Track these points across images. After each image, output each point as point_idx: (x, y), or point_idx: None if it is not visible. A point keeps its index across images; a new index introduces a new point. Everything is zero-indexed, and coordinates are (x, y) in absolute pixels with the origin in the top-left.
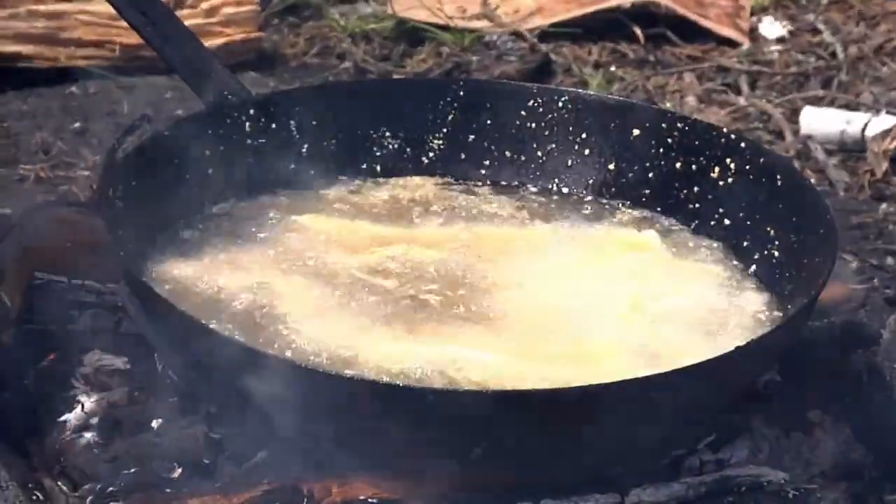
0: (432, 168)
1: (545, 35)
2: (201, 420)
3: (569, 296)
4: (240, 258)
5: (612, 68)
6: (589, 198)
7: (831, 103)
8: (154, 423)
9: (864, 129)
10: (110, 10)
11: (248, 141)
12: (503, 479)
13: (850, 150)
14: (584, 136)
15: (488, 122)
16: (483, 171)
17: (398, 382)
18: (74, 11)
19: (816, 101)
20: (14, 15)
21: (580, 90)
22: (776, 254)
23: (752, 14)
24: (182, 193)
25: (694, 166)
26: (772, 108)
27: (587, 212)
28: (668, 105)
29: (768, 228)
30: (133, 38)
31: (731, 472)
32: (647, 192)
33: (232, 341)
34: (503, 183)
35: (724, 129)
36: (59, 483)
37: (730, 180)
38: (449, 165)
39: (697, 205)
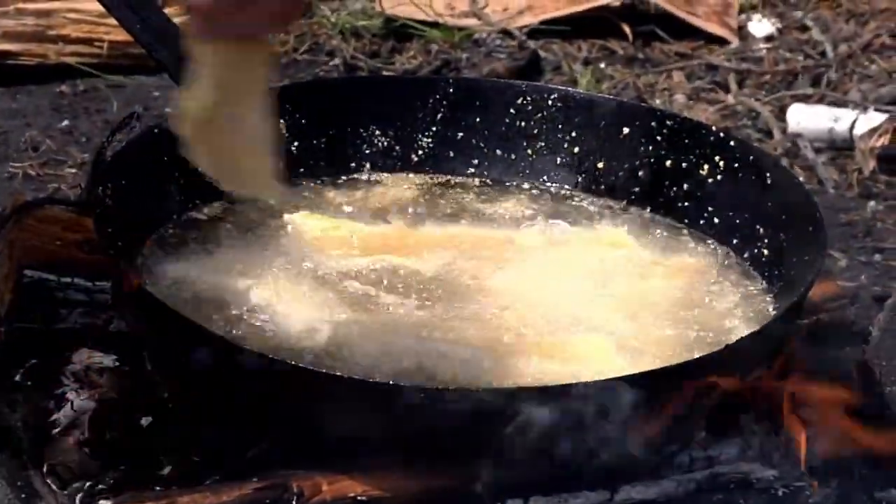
0: (421, 166)
1: (534, 32)
2: (191, 418)
3: (554, 293)
4: (230, 257)
5: (602, 66)
6: (578, 196)
7: (820, 101)
8: (144, 421)
9: (852, 127)
10: (99, 7)
11: None
12: (492, 476)
13: (839, 147)
14: (573, 134)
15: (478, 119)
16: (472, 170)
17: (390, 381)
18: (63, 9)
19: (805, 99)
20: (3, 13)
21: (569, 88)
22: (765, 251)
23: (740, 12)
24: (172, 192)
25: (683, 164)
26: (760, 105)
27: (576, 210)
28: (657, 103)
29: (757, 226)
30: (121, 36)
31: (721, 469)
32: (636, 190)
33: (220, 338)
34: (492, 181)
35: (713, 128)
36: (49, 481)
37: (719, 178)
38: (438, 163)
39: (686, 203)
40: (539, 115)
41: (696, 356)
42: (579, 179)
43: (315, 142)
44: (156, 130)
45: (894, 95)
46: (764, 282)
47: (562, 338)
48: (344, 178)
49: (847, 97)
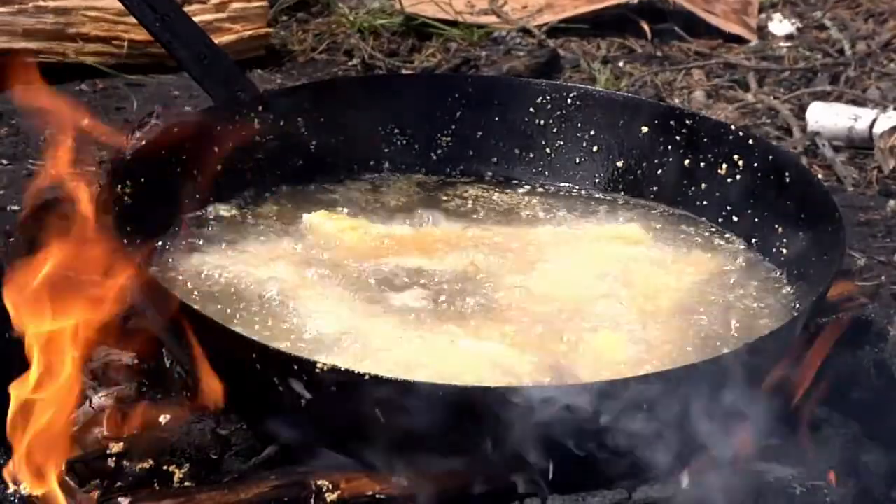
0: (440, 164)
1: (553, 31)
2: (209, 416)
3: (572, 290)
4: (248, 255)
5: (621, 64)
6: (596, 194)
7: (839, 99)
8: (162, 419)
9: (871, 126)
10: (118, 6)
11: (257, 138)
12: (511, 475)
13: (858, 146)
14: (592, 132)
15: (497, 118)
16: (491, 168)
17: (411, 379)
18: (82, 7)
19: (824, 97)
20: (22, 10)
21: (589, 86)
22: (784, 250)
23: (760, 11)
24: (190, 190)
25: (702, 163)
26: (780, 104)
27: (594, 208)
28: (676, 101)
29: (776, 225)
30: (141, 35)
31: (739, 468)
32: (656, 188)
33: (243, 338)
34: (511, 179)
35: (732, 126)
36: (67, 478)
37: (738, 177)
38: (457, 162)
39: (705, 201)
40: (558, 113)
41: (715, 355)
42: (598, 178)
43: (334, 140)
44: (175, 129)
45: None
46: (783, 280)
47: (579, 334)
48: (363, 176)
49: (866, 95)
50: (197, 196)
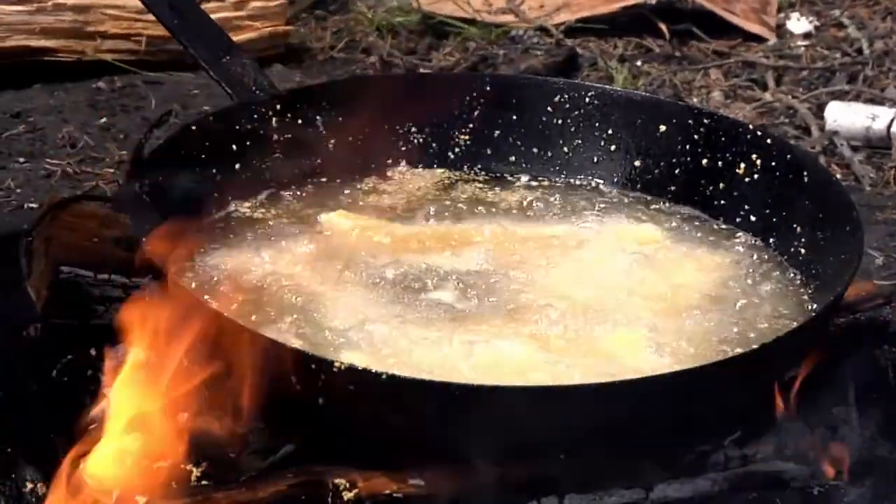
0: (458, 163)
1: (571, 30)
2: (227, 414)
3: (589, 289)
4: (265, 254)
5: (639, 63)
6: (614, 193)
7: (857, 98)
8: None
9: (889, 125)
10: (137, 3)
11: (275, 136)
12: (529, 473)
13: (876, 145)
14: (610, 131)
15: (514, 117)
16: (509, 167)
17: (430, 378)
18: (101, 5)
19: (842, 96)
20: (41, 9)
21: (607, 86)
22: (802, 250)
23: (779, 10)
24: (208, 188)
25: (720, 162)
26: (798, 103)
27: (612, 207)
28: (694, 100)
29: (794, 225)
30: (159, 32)
31: (756, 467)
32: (673, 188)
33: (261, 337)
34: (529, 179)
35: (750, 126)
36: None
37: (756, 176)
38: (474, 160)
39: (723, 201)
40: (576, 112)
41: (732, 354)
42: (616, 177)
43: (351, 139)
44: (193, 127)
45: None
46: (801, 280)
47: (597, 333)
48: (380, 175)
49: (884, 94)
50: (215, 196)
